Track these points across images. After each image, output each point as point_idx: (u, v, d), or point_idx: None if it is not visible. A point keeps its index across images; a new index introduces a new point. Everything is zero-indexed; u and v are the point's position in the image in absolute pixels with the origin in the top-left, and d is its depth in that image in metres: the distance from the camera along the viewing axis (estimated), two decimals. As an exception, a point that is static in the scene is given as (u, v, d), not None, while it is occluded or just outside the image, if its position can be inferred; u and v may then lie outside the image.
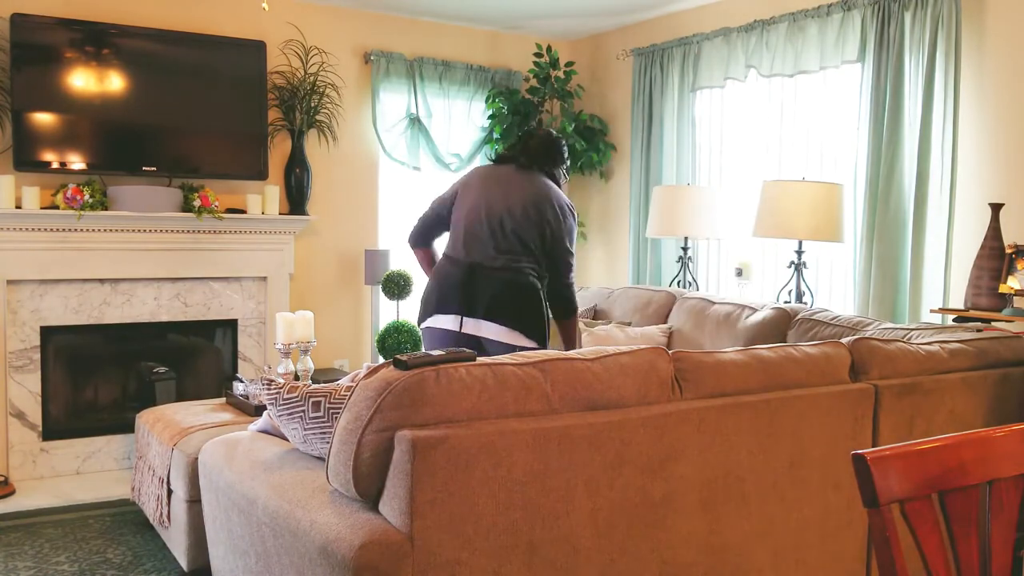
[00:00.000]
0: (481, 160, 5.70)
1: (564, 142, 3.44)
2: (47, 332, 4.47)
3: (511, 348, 3.03)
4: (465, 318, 3.12)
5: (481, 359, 1.95)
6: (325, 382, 3.72)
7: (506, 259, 3.15)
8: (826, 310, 3.62)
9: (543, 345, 3.18)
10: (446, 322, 3.15)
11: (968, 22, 3.80)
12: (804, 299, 4.19)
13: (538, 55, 5.54)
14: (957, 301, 3.78)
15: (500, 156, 3.44)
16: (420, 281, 5.38)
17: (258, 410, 3.45)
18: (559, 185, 3.38)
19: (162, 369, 4.73)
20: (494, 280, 3.12)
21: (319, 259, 5.29)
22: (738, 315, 3.85)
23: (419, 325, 3.29)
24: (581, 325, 4.27)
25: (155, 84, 4.59)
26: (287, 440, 2.47)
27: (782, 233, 4.01)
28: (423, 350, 2.67)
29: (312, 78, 5.04)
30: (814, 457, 2.35)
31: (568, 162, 3.46)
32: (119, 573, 3.26)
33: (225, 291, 4.90)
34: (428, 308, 3.24)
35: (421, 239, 3.44)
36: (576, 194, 6.11)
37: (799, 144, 4.61)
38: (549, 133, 3.42)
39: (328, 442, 2.15)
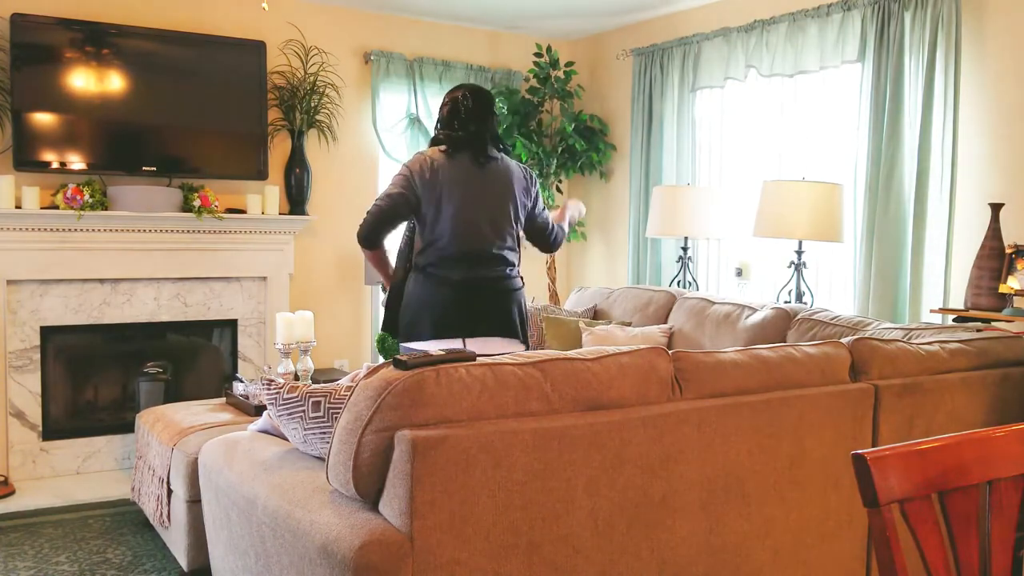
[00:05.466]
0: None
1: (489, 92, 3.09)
2: (47, 332, 4.47)
3: None
4: (468, 339, 2.94)
5: (481, 359, 1.95)
6: (325, 382, 3.72)
7: (500, 269, 3.03)
8: (826, 310, 3.61)
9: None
10: (444, 345, 2.94)
11: (968, 22, 3.80)
12: (804, 299, 4.19)
13: (538, 55, 5.54)
14: (957, 301, 3.78)
15: (450, 142, 3.01)
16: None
17: (258, 410, 3.44)
18: (504, 145, 3.07)
19: (151, 369, 4.61)
20: (497, 294, 3.01)
21: (319, 259, 5.29)
22: (738, 315, 3.85)
23: (402, 344, 2.99)
24: (581, 324, 4.28)
25: (155, 84, 4.59)
26: (287, 440, 2.47)
27: (782, 233, 4.01)
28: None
29: (312, 78, 5.04)
30: (814, 457, 2.35)
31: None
32: (119, 573, 3.26)
33: (225, 291, 4.90)
34: (419, 330, 2.96)
35: (377, 239, 3.09)
36: (576, 194, 6.10)
37: (799, 144, 4.61)
38: (474, 91, 3.04)
39: (328, 442, 2.15)
